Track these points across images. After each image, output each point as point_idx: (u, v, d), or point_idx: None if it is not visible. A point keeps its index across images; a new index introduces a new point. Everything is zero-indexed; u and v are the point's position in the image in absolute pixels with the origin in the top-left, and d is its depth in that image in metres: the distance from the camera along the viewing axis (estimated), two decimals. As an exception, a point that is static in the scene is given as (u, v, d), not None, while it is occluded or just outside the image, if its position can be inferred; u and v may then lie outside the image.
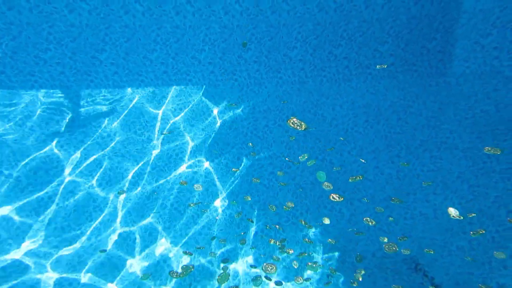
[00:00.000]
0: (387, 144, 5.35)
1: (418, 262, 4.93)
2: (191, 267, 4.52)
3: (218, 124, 5.44)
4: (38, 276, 4.36)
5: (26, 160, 4.84)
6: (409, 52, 5.17)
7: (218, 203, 5.19)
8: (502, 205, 4.68)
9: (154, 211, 4.78)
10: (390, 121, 5.34)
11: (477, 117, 4.97)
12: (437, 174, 5.14)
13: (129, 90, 5.35)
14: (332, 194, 3.82)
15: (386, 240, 4.71)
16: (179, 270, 4.64)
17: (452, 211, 3.26)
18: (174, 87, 5.45)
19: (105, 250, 4.65)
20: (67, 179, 4.89)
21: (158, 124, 5.33)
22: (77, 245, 4.66)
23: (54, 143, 4.99)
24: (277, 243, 4.85)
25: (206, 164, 5.32)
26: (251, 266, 4.81)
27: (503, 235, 4.60)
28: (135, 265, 4.66)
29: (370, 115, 5.39)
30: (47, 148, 4.95)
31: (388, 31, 5.10)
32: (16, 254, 4.43)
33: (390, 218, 4.98)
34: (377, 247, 5.07)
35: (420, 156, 5.21)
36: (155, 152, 5.25)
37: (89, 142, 5.12)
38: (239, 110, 5.47)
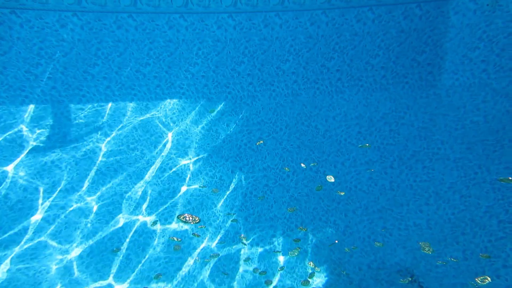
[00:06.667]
0: (380, 155, 5.40)
1: (413, 274, 4.94)
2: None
3: (212, 137, 5.43)
4: None
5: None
6: (399, 64, 5.25)
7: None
8: (493, 215, 4.74)
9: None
10: (382, 132, 5.40)
11: (467, 128, 5.06)
12: (430, 184, 5.19)
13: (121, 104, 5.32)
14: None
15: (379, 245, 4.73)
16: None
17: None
18: (167, 100, 5.43)
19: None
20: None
21: (152, 138, 5.30)
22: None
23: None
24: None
25: (201, 177, 5.29)
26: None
27: (495, 245, 4.66)
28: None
29: (362, 126, 5.44)
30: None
31: (379, 44, 5.18)
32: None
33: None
34: (372, 259, 5.07)
35: (413, 167, 5.26)
36: (152, 167, 5.21)
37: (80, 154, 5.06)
38: (233, 123, 5.48)
